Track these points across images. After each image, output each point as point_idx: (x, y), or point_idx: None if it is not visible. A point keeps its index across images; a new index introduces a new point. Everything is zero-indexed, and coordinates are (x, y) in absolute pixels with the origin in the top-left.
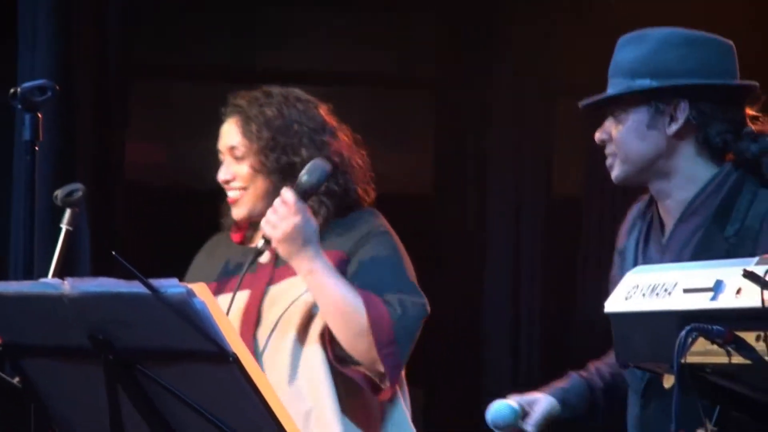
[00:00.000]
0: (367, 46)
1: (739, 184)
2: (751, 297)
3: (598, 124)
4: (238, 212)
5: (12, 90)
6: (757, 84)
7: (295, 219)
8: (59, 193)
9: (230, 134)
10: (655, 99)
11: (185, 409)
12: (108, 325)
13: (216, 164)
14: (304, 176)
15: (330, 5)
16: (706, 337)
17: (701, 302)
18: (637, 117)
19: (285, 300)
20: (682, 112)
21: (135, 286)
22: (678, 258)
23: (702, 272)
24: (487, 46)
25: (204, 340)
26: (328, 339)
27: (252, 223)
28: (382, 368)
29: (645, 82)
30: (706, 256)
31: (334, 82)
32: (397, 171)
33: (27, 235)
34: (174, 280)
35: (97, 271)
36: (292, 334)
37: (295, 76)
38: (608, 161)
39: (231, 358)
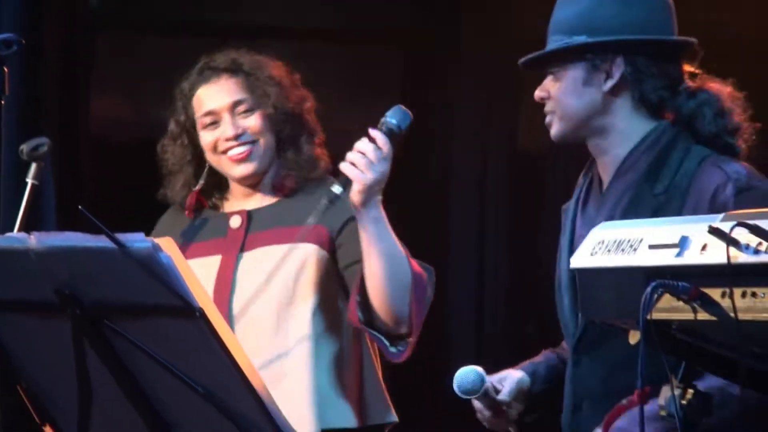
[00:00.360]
0: (337, 1)
1: (673, 141)
2: (716, 253)
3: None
4: (247, 167)
5: None
6: (694, 40)
7: (387, 164)
8: (25, 147)
9: (231, 91)
10: (591, 55)
11: (152, 364)
12: (74, 279)
13: None
14: (391, 119)
15: None
16: (672, 294)
17: (667, 258)
18: (573, 74)
19: (261, 269)
20: (618, 68)
21: (101, 241)
22: (611, 215)
23: (667, 228)
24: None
25: (170, 295)
26: (356, 301)
27: (214, 191)
28: (405, 328)
29: (581, 39)
30: (636, 213)
31: (304, 37)
32: (364, 125)
33: None
34: (140, 235)
35: (62, 226)
36: (274, 304)
37: (262, 31)
38: (547, 119)
39: (197, 313)
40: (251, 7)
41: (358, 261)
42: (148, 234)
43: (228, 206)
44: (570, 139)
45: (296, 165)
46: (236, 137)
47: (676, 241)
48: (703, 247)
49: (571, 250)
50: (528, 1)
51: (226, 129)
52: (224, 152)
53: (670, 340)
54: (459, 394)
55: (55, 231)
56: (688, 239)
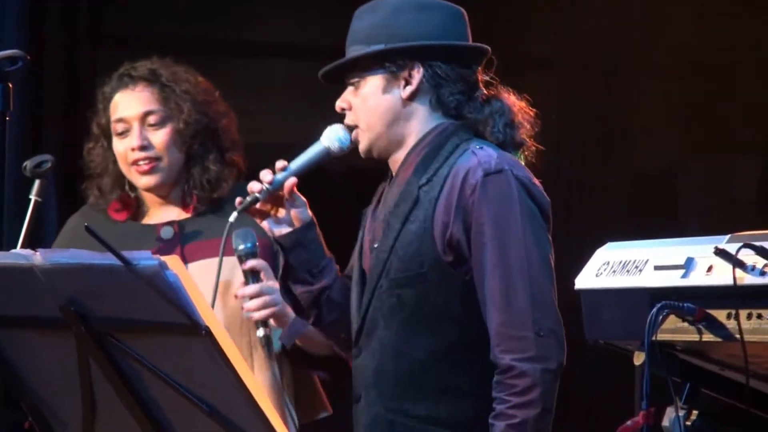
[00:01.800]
0: (343, 19)
1: (446, 137)
2: (722, 275)
3: None
4: (150, 180)
5: None
6: (487, 47)
7: (274, 285)
8: (28, 163)
9: (144, 101)
10: (388, 62)
11: (157, 381)
12: (80, 296)
13: None
14: (240, 247)
15: None
16: (677, 315)
17: (672, 279)
18: (372, 82)
19: (210, 282)
20: (417, 74)
21: (107, 258)
22: (386, 213)
23: (673, 249)
24: None
25: (177, 313)
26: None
27: (132, 198)
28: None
29: (379, 47)
30: (403, 206)
31: (310, 54)
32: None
33: None
34: (147, 252)
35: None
36: (237, 318)
37: (266, 47)
38: (352, 134)
39: (204, 331)
40: (254, 23)
41: None
42: (56, 234)
43: (147, 217)
44: (377, 151)
45: (199, 184)
46: (141, 148)
47: (681, 262)
48: (709, 269)
49: (361, 248)
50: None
51: (134, 140)
52: (132, 163)
53: (675, 362)
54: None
55: (59, 249)
56: (694, 260)
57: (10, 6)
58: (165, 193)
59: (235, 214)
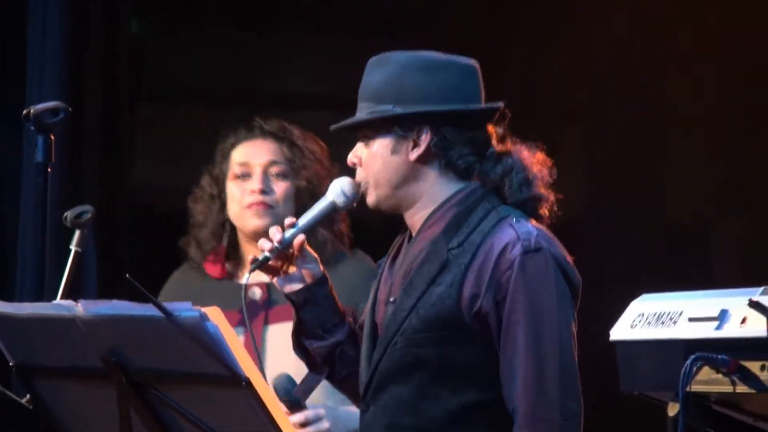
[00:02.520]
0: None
1: (477, 201)
2: (756, 326)
3: None
4: (260, 222)
5: (25, 111)
6: (499, 105)
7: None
8: (69, 214)
9: (271, 151)
10: (397, 125)
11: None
12: (120, 346)
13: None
14: (281, 390)
15: (331, 30)
16: (711, 366)
17: (706, 331)
18: (382, 142)
19: (281, 344)
20: (425, 138)
21: (148, 309)
22: (408, 268)
23: (707, 301)
24: None
25: (217, 364)
26: None
27: (232, 257)
28: None
29: (388, 108)
30: (429, 266)
31: (341, 106)
32: None
33: (38, 256)
34: (187, 304)
35: (103, 293)
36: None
37: (300, 99)
38: (362, 186)
39: (244, 383)
40: (289, 76)
41: None
42: (159, 291)
43: (242, 276)
44: (385, 207)
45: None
46: (261, 191)
47: (716, 314)
48: (743, 321)
49: (375, 300)
50: None
51: (255, 182)
52: (248, 205)
53: (709, 413)
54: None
55: (97, 298)
56: (728, 312)
57: (51, 58)
58: None
59: (248, 275)
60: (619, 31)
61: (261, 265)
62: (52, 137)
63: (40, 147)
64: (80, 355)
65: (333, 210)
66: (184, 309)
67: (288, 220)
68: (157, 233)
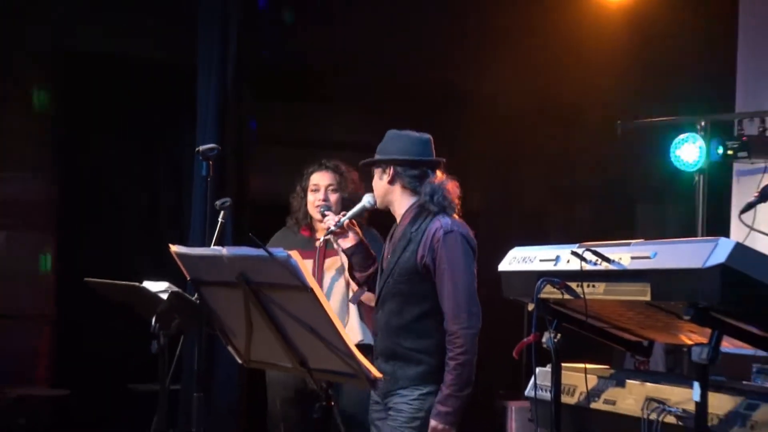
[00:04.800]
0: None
1: (422, 208)
2: (574, 264)
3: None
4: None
5: (197, 148)
6: (428, 160)
7: None
8: (218, 203)
9: (330, 178)
10: (378, 164)
11: (286, 315)
12: (246, 270)
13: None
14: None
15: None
16: (551, 284)
17: (549, 266)
18: (377, 174)
19: (333, 269)
20: (390, 172)
21: (260, 252)
22: (396, 242)
23: (549, 251)
24: None
25: (295, 279)
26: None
27: (311, 225)
28: None
29: (378, 157)
30: (402, 241)
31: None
32: None
33: (202, 224)
34: (280, 249)
35: (235, 243)
36: (341, 292)
37: (335, 144)
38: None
39: (308, 290)
40: (337, 131)
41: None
42: (268, 238)
43: (315, 234)
44: (381, 207)
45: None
46: (324, 200)
47: (553, 257)
48: (568, 261)
49: (382, 257)
50: None
51: (320, 194)
52: (317, 207)
53: (549, 309)
54: None
55: (234, 246)
56: (560, 257)
57: (211, 118)
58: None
59: (322, 238)
60: None
61: (330, 234)
62: (210, 162)
63: (204, 167)
64: (224, 274)
65: (364, 209)
66: (279, 252)
67: (341, 214)
68: (260, 213)
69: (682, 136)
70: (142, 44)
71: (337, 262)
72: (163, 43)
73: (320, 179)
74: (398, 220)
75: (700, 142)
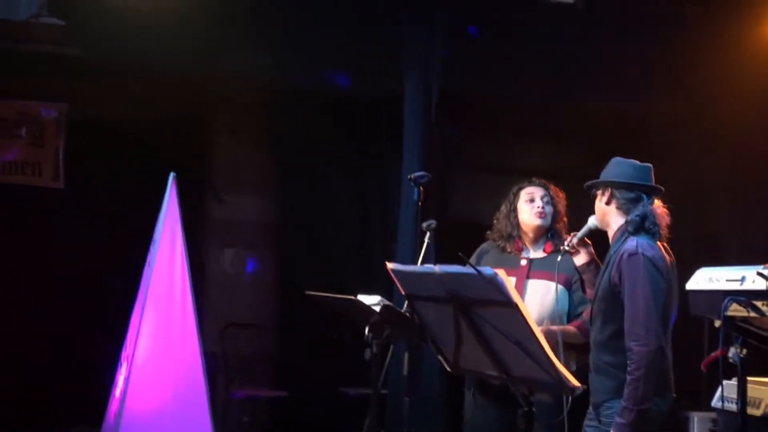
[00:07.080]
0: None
1: (624, 230)
2: (759, 284)
3: None
4: (540, 222)
5: (408, 176)
6: (649, 185)
7: None
8: (424, 225)
9: (542, 193)
10: (598, 186)
11: (492, 330)
12: (456, 287)
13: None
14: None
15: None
16: (737, 303)
17: (734, 286)
18: (598, 195)
19: (537, 293)
20: (608, 193)
21: (469, 270)
22: (605, 262)
23: (735, 272)
24: None
25: (501, 297)
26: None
27: (518, 241)
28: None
29: (597, 180)
30: (607, 260)
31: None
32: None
33: (412, 244)
34: (488, 268)
35: (440, 262)
36: (546, 316)
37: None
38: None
39: (513, 306)
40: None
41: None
42: (472, 252)
43: (521, 251)
44: (601, 227)
45: (552, 239)
46: (541, 207)
47: (739, 278)
48: (753, 281)
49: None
50: None
51: (538, 202)
52: (535, 214)
53: (735, 326)
54: None
55: (444, 264)
56: (746, 277)
57: (416, 149)
58: (538, 235)
59: (559, 256)
60: None
61: (568, 251)
62: (421, 188)
63: (416, 193)
64: (435, 290)
65: (589, 230)
66: (486, 270)
67: (574, 234)
68: (459, 232)
69: None
70: (349, 80)
71: (540, 285)
72: (369, 78)
73: (535, 191)
74: (610, 241)
75: None
